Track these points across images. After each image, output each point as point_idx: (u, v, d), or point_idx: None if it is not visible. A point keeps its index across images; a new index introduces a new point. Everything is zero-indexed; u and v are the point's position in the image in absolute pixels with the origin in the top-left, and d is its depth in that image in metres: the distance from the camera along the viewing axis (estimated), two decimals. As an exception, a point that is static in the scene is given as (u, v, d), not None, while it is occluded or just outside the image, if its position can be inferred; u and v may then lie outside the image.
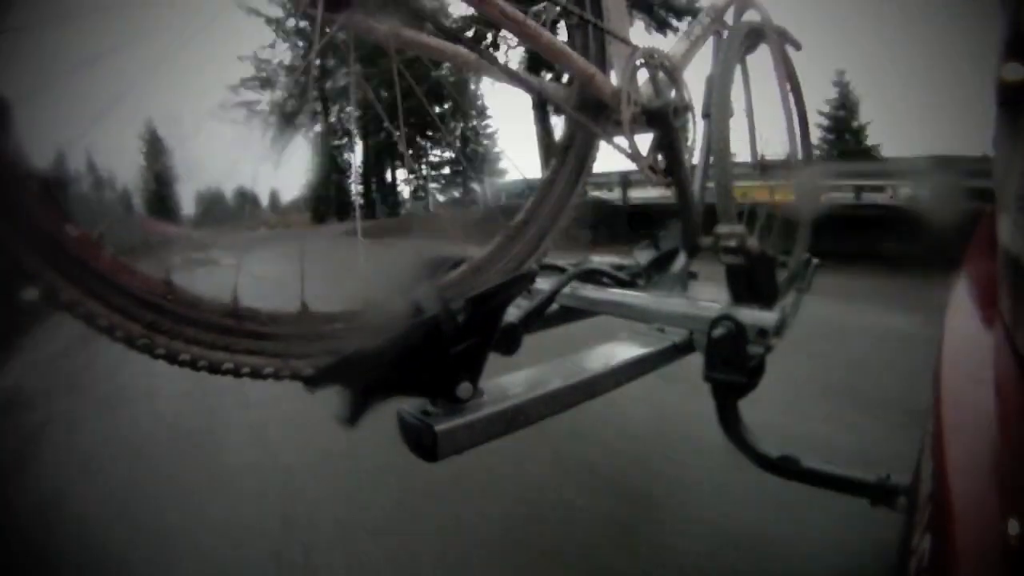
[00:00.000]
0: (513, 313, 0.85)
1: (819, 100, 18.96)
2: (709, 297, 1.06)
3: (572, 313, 1.23)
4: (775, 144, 1.58)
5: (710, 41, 1.38)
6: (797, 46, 1.64)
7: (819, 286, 1.41)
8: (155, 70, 0.64)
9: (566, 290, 1.16)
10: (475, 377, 0.72)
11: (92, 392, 2.69)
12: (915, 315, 2.65)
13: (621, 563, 1.24)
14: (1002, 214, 0.48)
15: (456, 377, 0.70)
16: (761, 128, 1.51)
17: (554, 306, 1.19)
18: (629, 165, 1.08)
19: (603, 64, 1.06)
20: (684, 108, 1.13)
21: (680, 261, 1.30)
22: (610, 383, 0.90)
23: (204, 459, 1.91)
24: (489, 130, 22.08)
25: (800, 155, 1.60)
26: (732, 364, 0.89)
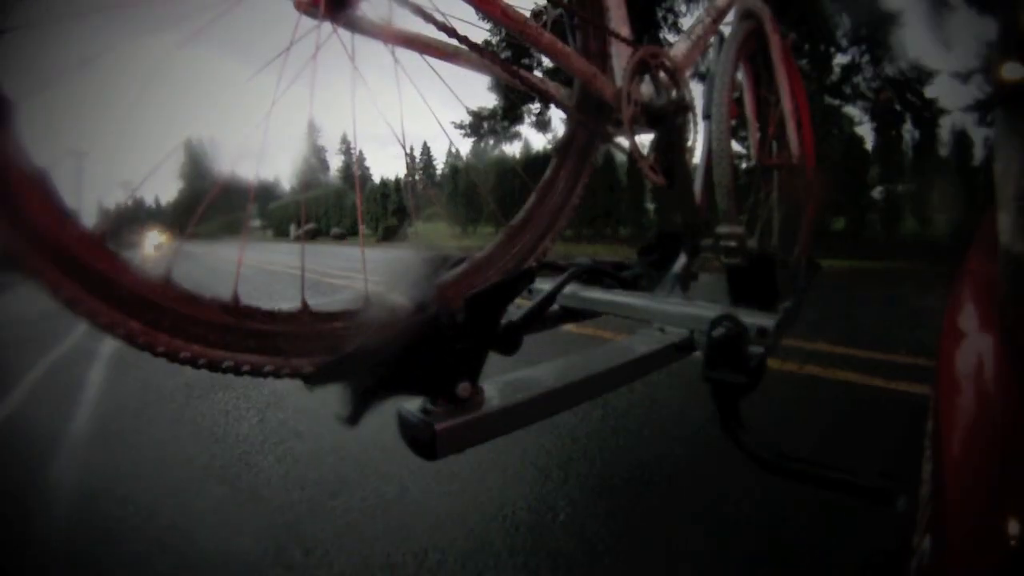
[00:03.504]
0: (513, 313, 0.85)
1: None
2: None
3: (572, 313, 1.23)
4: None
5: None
6: (799, 47, 1.64)
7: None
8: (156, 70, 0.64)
9: (566, 290, 1.16)
10: (474, 376, 0.72)
11: None
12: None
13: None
14: (1002, 214, 0.48)
15: (455, 376, 0.70)
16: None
17: (554, 306, 1.19)
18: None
19: (604, 64, 1.06)
20: (685, 108, 1.13)
21: (681, 262, 1.30)
22: (610, 383, 0.90)
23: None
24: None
25: (803, 155, 1.60)
26: (732, 364, 0.89)
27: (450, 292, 0.83)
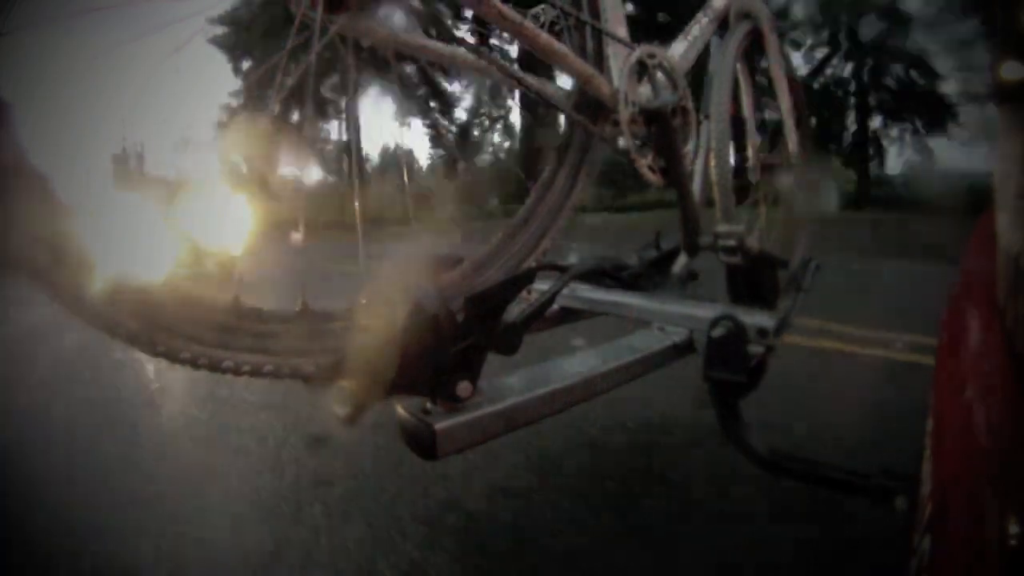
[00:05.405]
0: (513, 313, 0.85)
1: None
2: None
3: (572, 314, 1.22)
4: None
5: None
6: (797, 45, 1.64)
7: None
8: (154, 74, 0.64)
9: (566, 290, 1.15)
10: (474, 376, 0.72)
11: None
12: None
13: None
14: (1002, 214, 0.48)
15: (455, 376, 0.70)
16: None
17: (554, 306, 1.19)
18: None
19: (601, 65, 1.06)
20: (683, 108, 1.12)
21: (680, 261, 1.30)
22: (610, 383, 0.90)
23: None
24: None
25: (800, 154, 1.60)
26: (731, 364, 0.89)
27: (450, 292, 0.83)
